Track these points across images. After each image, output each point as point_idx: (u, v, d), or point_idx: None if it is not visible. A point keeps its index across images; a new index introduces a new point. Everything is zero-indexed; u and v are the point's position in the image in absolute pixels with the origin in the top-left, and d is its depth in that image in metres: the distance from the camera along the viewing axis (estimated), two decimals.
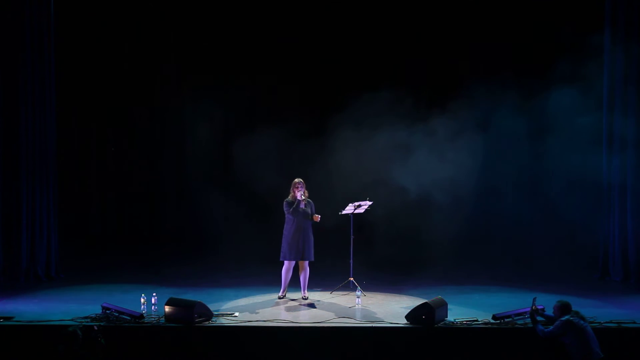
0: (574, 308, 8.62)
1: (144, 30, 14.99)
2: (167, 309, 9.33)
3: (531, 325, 8.89)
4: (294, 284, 10.93)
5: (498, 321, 9.26)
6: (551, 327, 8.57)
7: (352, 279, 11.29)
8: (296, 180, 10.85)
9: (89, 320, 9.29)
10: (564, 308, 8.59)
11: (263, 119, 14.73)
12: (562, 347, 8.51)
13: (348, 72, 14.79)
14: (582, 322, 8.42)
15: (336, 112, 14.02)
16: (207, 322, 9.29)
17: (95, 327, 7.82)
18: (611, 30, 12.37)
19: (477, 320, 9.36)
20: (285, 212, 10.82)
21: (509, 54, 14.22)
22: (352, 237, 11.44)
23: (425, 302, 9.29)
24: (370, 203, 11.51)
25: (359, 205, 11.41)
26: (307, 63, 14.89)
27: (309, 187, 10.97)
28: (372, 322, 9.44)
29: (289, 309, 10.28)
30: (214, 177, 15.22)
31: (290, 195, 10.84)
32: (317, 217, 10.79)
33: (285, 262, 10.83)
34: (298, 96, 14.95)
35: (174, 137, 15.50)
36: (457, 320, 9.36)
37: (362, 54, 14.80)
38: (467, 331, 9.16)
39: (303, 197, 10.75)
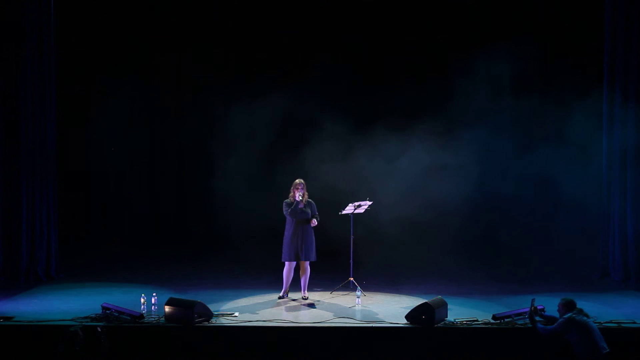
0: None
1: (144, 30, 14.98)
2: (167, 309, 9.32)
3: (531, 325, 8.90)
4: (295, 284, 10.92)
5: (498, 321, 9.26)
6: (554, 325, 8.58)
7: (352, 279, 11.28)
8: (296, 180, 10.82)
9: (89, 320, 9.30)
10: (568, 305, 8.60)
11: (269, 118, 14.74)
12: (567, 345, 8.52)
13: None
14: (584, 318, 8.44)
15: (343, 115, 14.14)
16: (207, 322, 9.29)
17: (99, 329, 7.80)
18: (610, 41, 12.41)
19: (477, 320, 9.37)
20: (285, 213, 10.81)
21: (506, 59, 14.23)
22: (352, 237, 11.44)
23: (425, 302, 9.29)
24: (370, 203, 11.50)
25: (359, 205, 11.40)
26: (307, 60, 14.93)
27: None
28: (372, 322, 9.44)
29: (289, 309, 10.28)
30: (213, 176, 15.22)
31: (290, 195, 10.83)
32: (314, 222, 10.78)
33: (286, 263, 10.81)
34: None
35: (174, 136, 15.49)
36: (457, 320, 9.36)
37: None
38: (467, 331, 9.16)
39: (301, 198, 10.72)
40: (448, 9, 14.47)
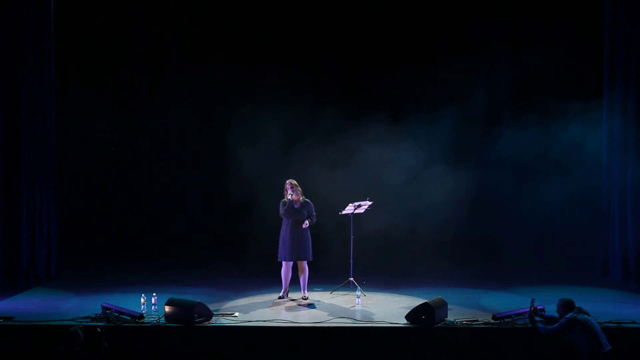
0: None
1: (144, 30, 14.99)
2: (167, 309, 9.32)
3: (531, 326, 8.90)
4: (294, 284, 10.92)
5: (498, 321, 9.26)
6: (555, 325, 8.58)
7: (352, 279, 11.28)
8: (288, 181, 10.82)
9: (89, 320, 9.30)
10: (567, 305, 8.61)
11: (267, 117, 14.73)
12: (568, 345, 8.52)
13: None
14: (585, 316, 8.44)
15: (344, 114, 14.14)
16: (207, 322, 9.30)
17: (99, 329, 7.80)
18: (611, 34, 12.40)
19: (477, 320, 9.37)
20: (280, 213, 10.81)
21: (505, 57, 14.22)
22: (352, 237, 11.44)
23: (425, 302, 9.29)
24: (370, 203, 11.50)
25: (359, 205, 11.40)
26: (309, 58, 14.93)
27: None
28: (372, 322, 9.44)
29: (289, 309, 10.28)
30: (213, 177, 15.23)
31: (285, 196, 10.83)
32: (306, 223, 10.75)
33: (283, 263, 10.81)
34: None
35: (175, 137, 15.49)
36: (457, 320, 9.36)
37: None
38: (467, 331, 9.16)
39: (293, 197, 10.67)
40: (446, 9, 14.48)
